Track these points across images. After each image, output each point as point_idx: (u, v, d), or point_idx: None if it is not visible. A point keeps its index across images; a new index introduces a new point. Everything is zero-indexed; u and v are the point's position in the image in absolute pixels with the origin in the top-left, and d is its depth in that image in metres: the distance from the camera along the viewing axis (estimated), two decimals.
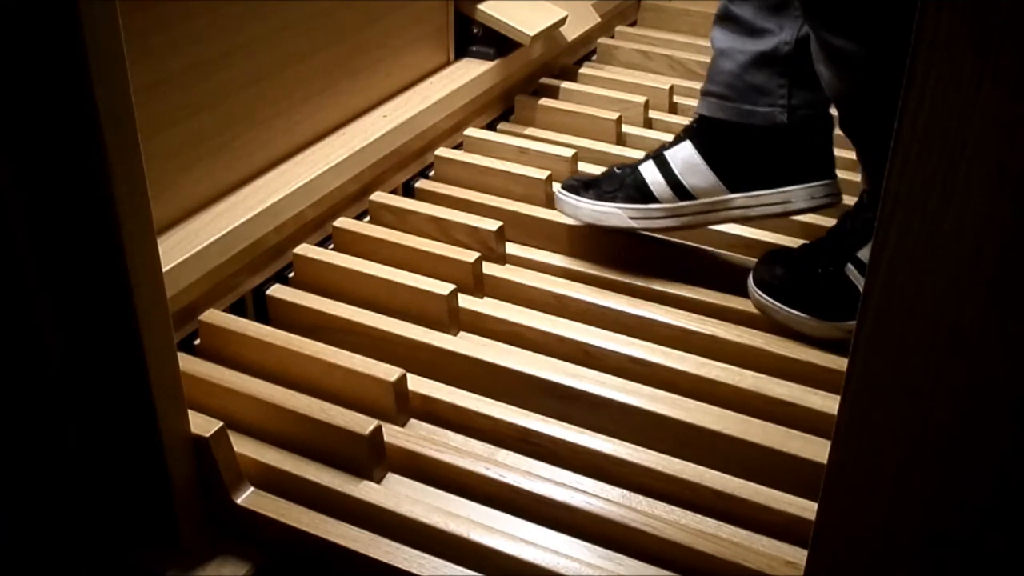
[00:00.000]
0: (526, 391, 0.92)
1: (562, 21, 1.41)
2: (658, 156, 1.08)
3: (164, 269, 0.73)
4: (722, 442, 0.86)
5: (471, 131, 1.31)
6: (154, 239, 0.68)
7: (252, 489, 0.81)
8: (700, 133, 1.06)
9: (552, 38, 1.44)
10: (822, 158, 1.04)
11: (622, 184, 1.08)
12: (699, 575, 0.76)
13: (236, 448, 0.81)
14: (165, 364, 0.72)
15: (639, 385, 0.92)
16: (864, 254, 0.96)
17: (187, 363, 0.88)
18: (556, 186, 1.15)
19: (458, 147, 1.30)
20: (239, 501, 0.80)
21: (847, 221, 1.01)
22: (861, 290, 1.01)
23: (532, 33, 1.33)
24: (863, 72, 0.88)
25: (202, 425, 0.78)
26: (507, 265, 1.10)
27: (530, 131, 1.37)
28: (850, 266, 0.97)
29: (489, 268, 1.07)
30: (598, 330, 0.99)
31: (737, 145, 1.04)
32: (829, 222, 1.10)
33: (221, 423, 0.78)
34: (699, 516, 0.81)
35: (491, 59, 1.34)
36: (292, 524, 0.78)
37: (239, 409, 0.86)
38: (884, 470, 0.49)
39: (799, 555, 0.76)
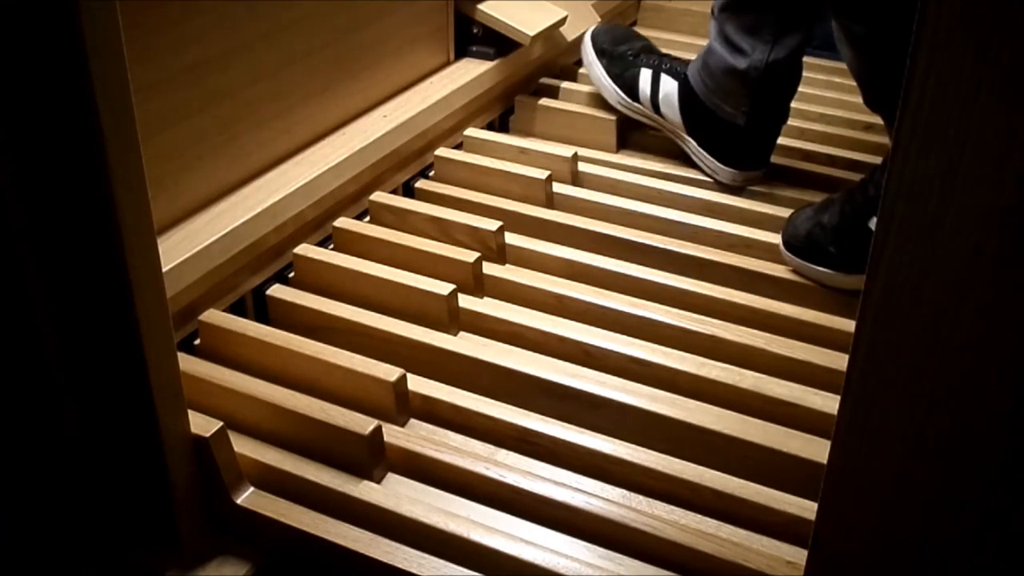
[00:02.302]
0: (526, 391, 0.92)
1: (562, 21, 1.41)
2: (656, 71, 1.29)
3: (164, 269, 0.73)
4: (722, 442, 0.86)
5: (471, 131, 1.31)
6: (154, 239, 0.68)
7: (252, 489, 0.81)
8: (684, 86, 1.26)
9: (552, 38, 1.44)
10: (760, 151, 1.26)
11: (624, 70, 1.31)
12: (699, 575, 0.76)
13: (236, 448, 0.81)
14: (165, 364, 0.72)
15: (639, 385, 0.92)
16: None
17: (187, 363, 0.88)
18: (590, 32, 1.39)
19: (458, 147, 1.30)
20: (239, 501, 0.80)
21: (875, 174, 1.06)
22: None
23: (532, 33, 1.33)
24: (876, 51, 1.01)
25: (202, 425, 0.78)
26: (507, 265, 1.10)
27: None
28: (874, 221, 1.04)
29: (489, 268, 1.07)
30: (598, 330, 0.99)
31: (703, 113, 1.25)
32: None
33: (221, 423, 0.78)
34: (699, 516, 0.81)
35: (491, 59, 1.34)
36: (292, 524, 0.78)
37: (239, 409, 0.86)
38: (884, 470, 0.49)
39: (799, 555, 0.76)
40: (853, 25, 1.02)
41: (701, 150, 1.26)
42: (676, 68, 1.29)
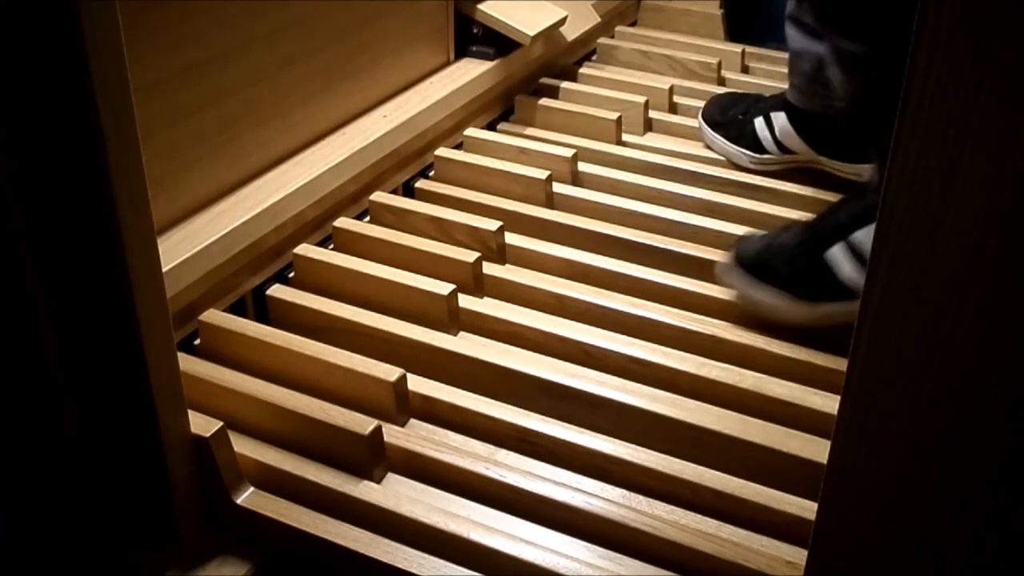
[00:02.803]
0: (526, 391, 0.92)
1: (562, 21, 1.41)
2: (767, 114, 1.27)
3: (164, 269, 0.73)
4: (722, 442, 0.86)
5: (471, 131, 1.31)
6: (154, 239, 0.68)
7: (252, 489, 0.81)
8: (791, 109, 1.24)
9: (552, 38, 1.44)
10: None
11: (742, 133, 1.28)
12: (699, 575, 0.76)
13: (236, 448, 0.81)
14: (165, 364, 0.72)
15: (639, 385, 0.92)
16: (859, 236, 0.94)
17: (187, 363, 0.88)
18: (700, 113, 1.35)
19: (458, 147, 1.30)
20: (239, 501, 0.80)
21: (844, 205, 1.00)
22: (843, 273, 0.91)
23: (532, 33, 1.33)
24: (872, 74, 0.92)
25: (202, 425, 0.78)
26: (507, 265, 1.10)
27: (530, 131, 1.37)
28: (837, 248, 0.95)
29: (489, 268, 1.07)
30: (598, 330, 0.99)
31: (818, 123, 1.21)
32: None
33: (221, 423, 0.78)
34: (699, 516, 0.81)
35: (491, 59, 1.34)
36: (292, 524, 0.78)
37: (239, 409, 0.86)
38: (884, 470, 0.49)
39: (799, 555, 0.76)
40: (846, 43, 0.95)
41: (842, 164, 1.22)
42: (782, 100, 1.26)
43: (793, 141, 1.24)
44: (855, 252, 0.94)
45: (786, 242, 0.99)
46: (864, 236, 0.94)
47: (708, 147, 1.34)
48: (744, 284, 0.99)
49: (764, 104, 1.30)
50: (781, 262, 0.97)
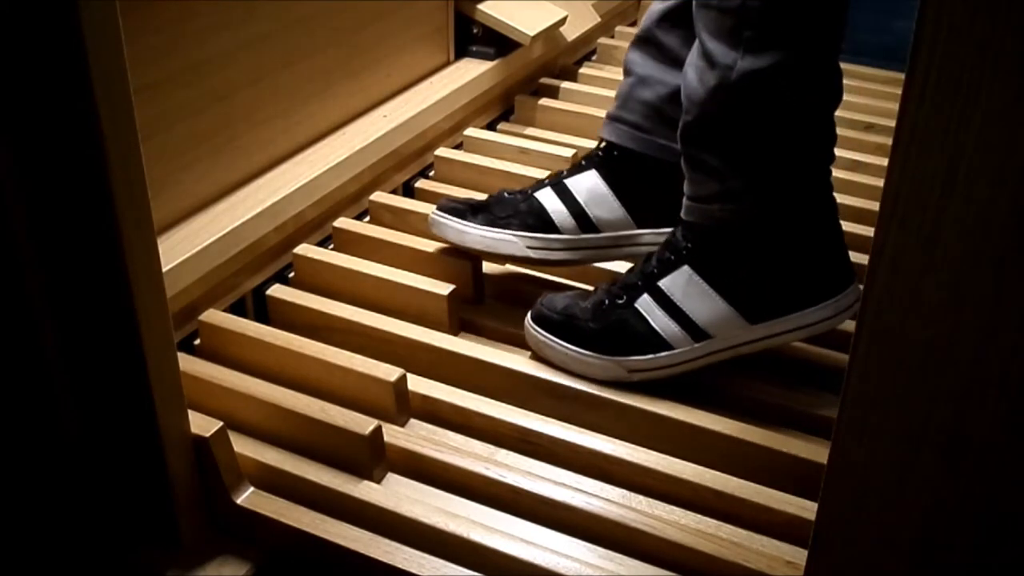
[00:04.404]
0: (526, 391, 0.92)
1: (562, 21, 1.41)
2: (557, 184, 1.02)
3: (164, 269, 0.73)
4: (722, 442, 0.86)
5: (471, 131, 1.31)
6: (154, 239, 0.68)
7: (252, 489, 0.81)
8: (608, 162, 1.01)
9: (552, 38, 1.44)
10: None
11: (516, 211, 1.01)
12: (699, 575, 0.76)
13: (236, 448, 0.81)
14: (165, 364, 0.72)
15: (639, 384, 0.92)
16: (666, 283, 0.88)
17: (187, 363, 0.88)
18: (432, 209, 1.05)
19: (458, 147, 1.30)
20: (239, 501, 0.80)
21: (652, 256, 0.92)
22: (654, 324, 0.88)
23: (532, 33, 1.33)
24: (724, 82, 0.81)
25: (202, 425, 0.78)
26: (507, 265, 1.10)
27: (530, 131, 1.37)
28: (646, 297, 0.89)
29: (489, 267, 1.07)
30: None
31: (648, 178, 0.99)
32: None
33: (221, 423, 0.78)
34: (699, 516, 0.81)
35: (491, 59, 1.34)
36: (292, 524, 0.78)
37: (239, 409, 0.86)
38: (884, 470, 0.50)
39: (799, 555, 0.76)
40: (710, 42, 0.82)
41: (665, 230, 0.98)
42: (574, 166, 1.02)
43: (606, 208, 1.01)
44: (663, 299, 0.88)
45: (590, 300, 0.93)
46: (670, 283, 0.88)
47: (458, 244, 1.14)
48: (548, 343, 0.93)
49: (545, 182, 1.06)
50: (588, 318, 0.91)
